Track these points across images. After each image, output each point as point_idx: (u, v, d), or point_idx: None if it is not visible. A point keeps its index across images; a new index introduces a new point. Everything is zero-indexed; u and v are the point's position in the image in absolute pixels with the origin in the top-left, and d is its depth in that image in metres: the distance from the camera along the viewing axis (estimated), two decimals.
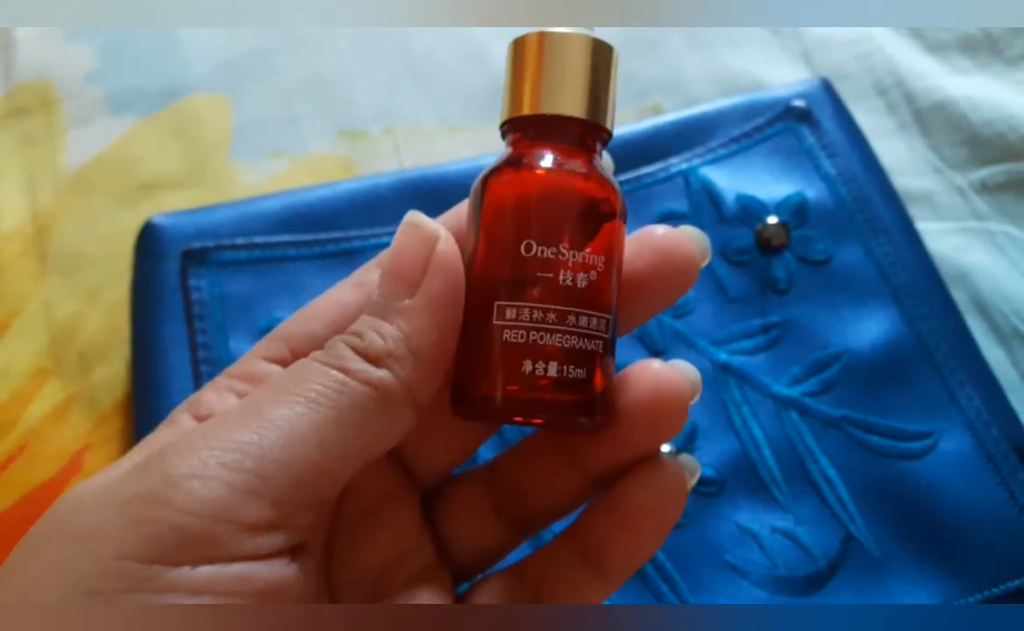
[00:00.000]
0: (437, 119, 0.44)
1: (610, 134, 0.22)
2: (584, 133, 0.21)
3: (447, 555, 0.23)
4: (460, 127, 0.44)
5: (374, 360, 0.19)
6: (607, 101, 0.21)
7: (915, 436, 0.32)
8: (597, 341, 0.20)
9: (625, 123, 0.41)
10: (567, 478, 0.22)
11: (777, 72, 0.45)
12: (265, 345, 0.23)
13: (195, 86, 0.45)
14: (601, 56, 0.21)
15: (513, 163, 0.21)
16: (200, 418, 0.21)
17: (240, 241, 0.36)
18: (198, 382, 0.33)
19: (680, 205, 0.38)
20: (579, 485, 0.22)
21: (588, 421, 0.20)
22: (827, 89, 0.41)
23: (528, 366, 0.19)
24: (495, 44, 0.46)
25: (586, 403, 0.20)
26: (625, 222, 0.22)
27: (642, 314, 0.22)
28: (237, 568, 0.17)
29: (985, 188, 0.40)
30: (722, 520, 0.31)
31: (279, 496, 0.17)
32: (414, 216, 0.20)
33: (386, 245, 0.36)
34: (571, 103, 0.21)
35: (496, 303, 0.20)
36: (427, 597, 0.22)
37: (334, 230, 0.37)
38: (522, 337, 0.19)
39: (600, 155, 0.22)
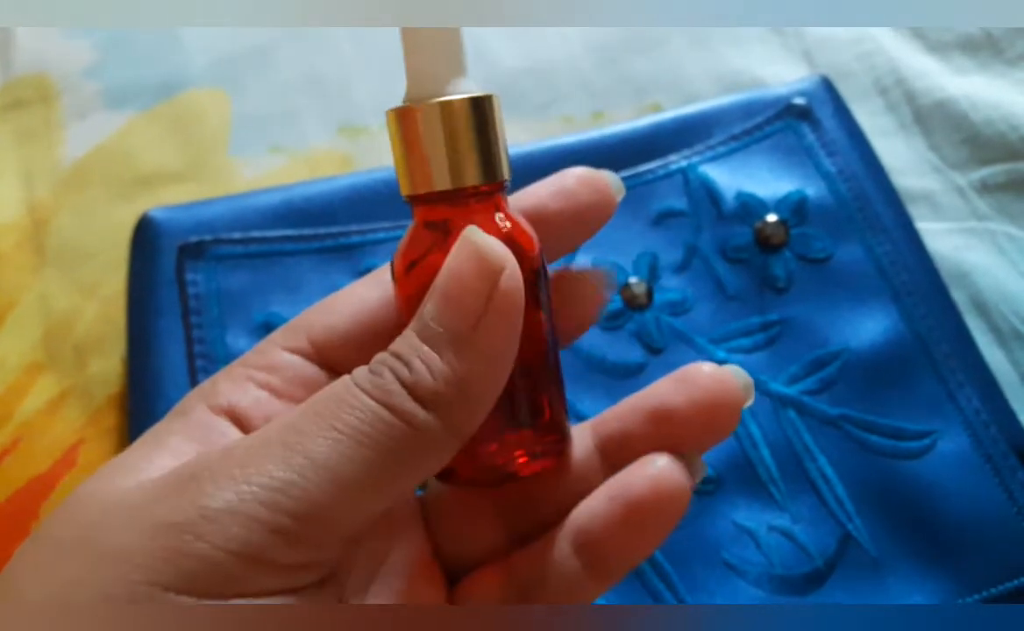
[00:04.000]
0: None
1: (507, 179, 0.21)
2: (486, 194, 0.21)
3: (442, 549, 0.23)
4: None
5: (422, 400, 0.18)
6: (499, 151, 0.21)
7: (914, 435, 0.32)
8: None
9: (624, 121, 0.41)
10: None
11: (777, 70, 0.45)
12: (283, 335, 0.22)
13: (194, 81, 0.45)
14: (480, 113, 0.20)
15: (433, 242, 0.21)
16: (217, 409, 0.20)
17: (237, 235, 0.36)
18: (194, 377, 0.33)
19: (679, 203, 0.37)
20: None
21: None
22: (827, 87, 0.41)
23: None
24: (494, 40, 0.46)
25: None
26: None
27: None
28: (270, 600, 0.17)
29: (985, 188, 0.40)
30: (719, 518, 0.31)
31: (316, 538, 0.17)
32: (476, 237, 0.19)
33: (384, 241, 0.36)
34: (464, 173, 0.20)
35: None
36: (418, 590, 0.21)
37: (332, 225, 0.37)
38: None
39: (505, 199, 0.22)
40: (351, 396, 0.18)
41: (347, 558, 0.21)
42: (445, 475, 0.22)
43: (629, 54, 0.46)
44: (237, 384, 0.21)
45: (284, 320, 0.34)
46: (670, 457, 0.20)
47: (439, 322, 0.18)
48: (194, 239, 0.35)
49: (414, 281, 0.20)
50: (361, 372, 0.18)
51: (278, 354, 0.21)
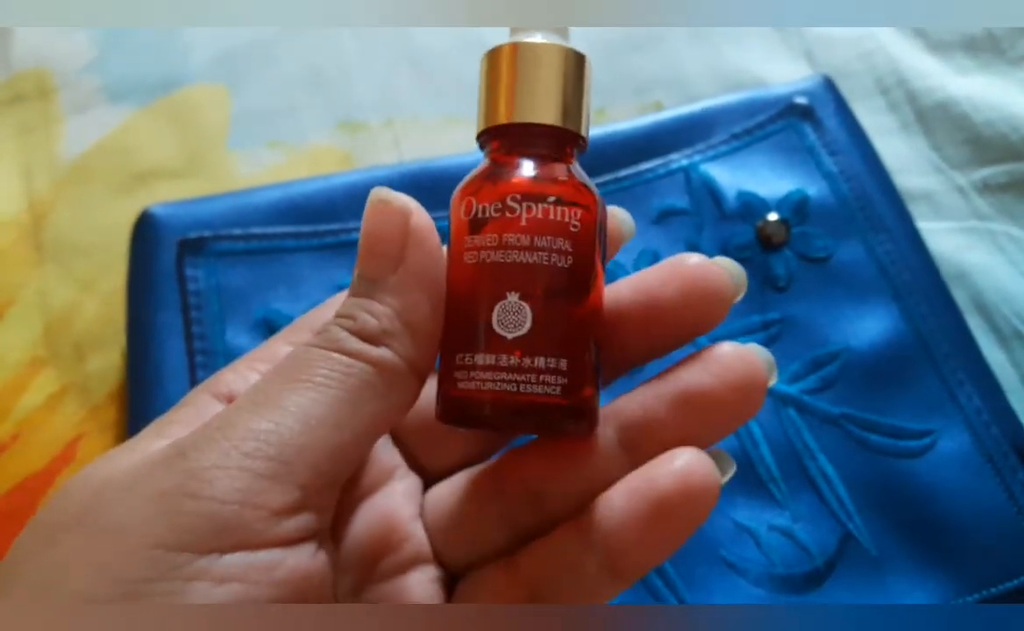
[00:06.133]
0: (436, 111, 0.44)
1: (585, 140, 0.22)
2: (561, 140, 0.21)
3: (441, 547, 0.23)
4: (460, 119, 0.43)
5: (371, 340, 0.19)
6: (581, 109, 0.21)
7: (914, 435, 0.32)
8: None
9: (626, 119, 0.41)
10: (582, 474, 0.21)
11: (779, 69, 0.45)
12: (287, 331, 0.23)
13: (193, 76, 0.45)
14: (574, 65, 0.21)
15: (491, 174, 0.21)
16: (220, 396, 0.21)
17: (237, 232, 0.36)
18: (193, 372, 0.33)
19: (681, 201, 0.37)
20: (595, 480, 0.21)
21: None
22: (829, 87, 0.41)
23: None
24: (494, 36, 0.46)
25: None
26: (604, 224, 0.21)
27: (668, 344, 0.22)
28: (264, 555, 0.17)
29: (986, 188, 0.40)
30: (719, 517, 0.31)
31: (302, 479, 0.17)
32: (381, 192, 0.20)
33: None
34: (547, 111, 0.21)
35: None
36: (414, 584, 0.21)
37: (332, 222, 0.36)
38: None
39: (576, 160, 0.22)
40: (307, 354, 0.19)
41: (343, 559, 0.21)
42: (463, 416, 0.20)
43: (630, 51, 0.46)
44: (240, 374, 0.21)
45: (284, 316, 0.34)
46: (697, 451, 0.20)
47: (368, 276, 0.20)
48: (194, 235, 0.35)
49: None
50: (312, 338, 0.20)
51: (281, 347, 0.22)
